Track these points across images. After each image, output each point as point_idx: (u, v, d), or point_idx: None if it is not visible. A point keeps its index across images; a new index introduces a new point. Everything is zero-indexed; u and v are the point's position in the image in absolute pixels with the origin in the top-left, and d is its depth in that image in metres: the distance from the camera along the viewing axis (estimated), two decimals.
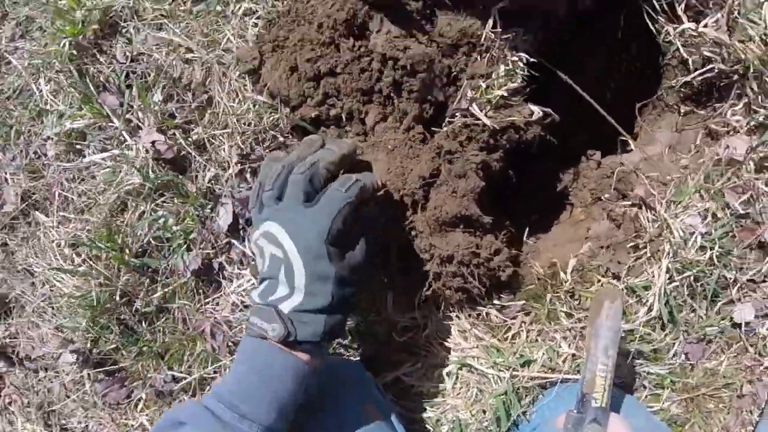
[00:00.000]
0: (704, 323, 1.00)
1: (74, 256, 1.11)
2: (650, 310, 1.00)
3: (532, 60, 0.97)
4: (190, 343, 1.07)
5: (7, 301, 1.22)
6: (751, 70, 0.96)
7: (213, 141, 1.00)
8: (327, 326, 0.74)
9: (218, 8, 0.99)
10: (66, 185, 1.12)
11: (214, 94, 1.00)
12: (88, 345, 1.12)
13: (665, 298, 0.99)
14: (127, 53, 1.04)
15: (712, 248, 0.98)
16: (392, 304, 1.02)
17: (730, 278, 0.99)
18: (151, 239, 1.05)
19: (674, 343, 1.01)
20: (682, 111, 1.12)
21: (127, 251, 1.06)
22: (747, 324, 0.99)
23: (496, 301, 1.00)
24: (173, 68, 1.01)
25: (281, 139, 0.98)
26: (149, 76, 1.03)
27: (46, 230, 1.14)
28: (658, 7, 1.01)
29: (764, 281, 1.01)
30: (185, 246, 1.05)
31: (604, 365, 0.80)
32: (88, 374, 1.15)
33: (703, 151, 1.07)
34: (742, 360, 1.01)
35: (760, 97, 0.99)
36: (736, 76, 1.01)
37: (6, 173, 1.17)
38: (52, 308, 1.16)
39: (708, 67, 1.01)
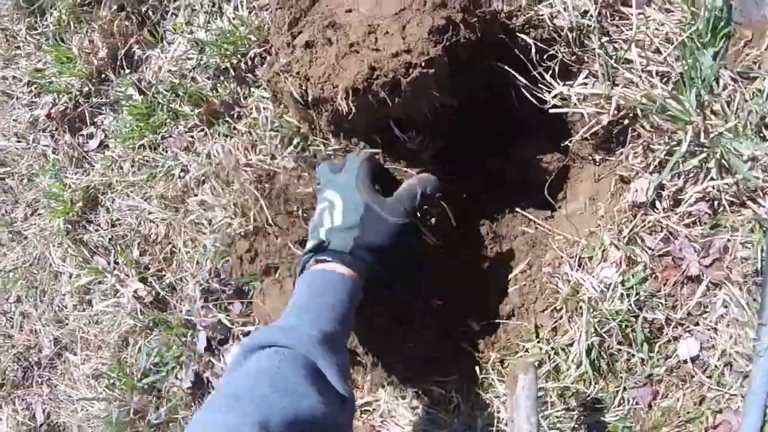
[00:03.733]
0: (647, 366, 1.04)
1: (97, 385, 1.35)
2: (579, 366, 1.07)
3: None
4: None
5: (60, 428, 1.50)
6: (639, 112, 0.99)
7: (180, 282, 1.22)
8: (356, 241, 0.89)
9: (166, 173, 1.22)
10: (84, 329, 1.37)
11: (176, 243, 1.22)
12: None
13: (594, 352, 1.05)
14: (108, 220, 1.28)
15: (629, 295, 1.02)
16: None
17: (662, 318, 1.03)
18: (151, 365, 1.28)
19: (617, 391, 1.05)
20: (596, 160, 1.15)
21: (135, 377, 1.29)
22: (696, 358, 1.02)
23: (436, 378, 1.14)
24: (143, 227, 1.24)
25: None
26: (127, 237, 1.27)
27: (75, 367, 1.40)
28: (526, 82, 1.05)
29: (703, 313, 1.04)
30: (178, 367, 1.26)
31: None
32: None
33: (618, 197, 1.11)
34: (702, 392, 1.03)
35: (653, 135, 1.01)
36: (627, 121, 1.03)
37: (41, 324, 1.45)
38: (91, 428, 1.41)
39: (593, 122, 1.05)
